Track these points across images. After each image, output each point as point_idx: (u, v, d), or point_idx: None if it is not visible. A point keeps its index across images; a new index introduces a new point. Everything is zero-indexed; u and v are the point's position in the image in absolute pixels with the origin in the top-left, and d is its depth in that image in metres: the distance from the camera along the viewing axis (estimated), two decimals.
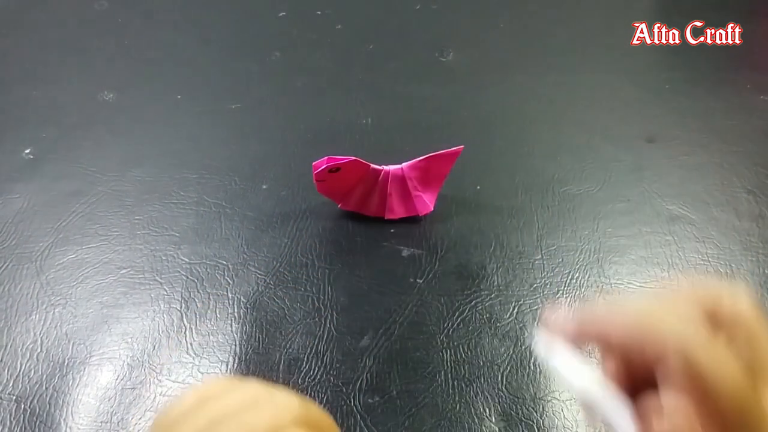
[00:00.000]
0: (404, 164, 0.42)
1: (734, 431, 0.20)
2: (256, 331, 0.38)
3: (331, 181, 0.41)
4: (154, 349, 0.38)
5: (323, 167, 0.39)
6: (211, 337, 0.38)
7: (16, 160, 0.49)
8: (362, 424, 0.35)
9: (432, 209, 0.43)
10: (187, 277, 0.41)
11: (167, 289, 0.41)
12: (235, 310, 0.39)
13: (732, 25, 0.58)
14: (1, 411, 0.36)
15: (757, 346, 0.21)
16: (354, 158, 0.39)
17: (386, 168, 0.42)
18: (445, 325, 0.39)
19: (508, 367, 0.37)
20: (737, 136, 0.48)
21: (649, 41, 0.58)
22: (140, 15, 0.63)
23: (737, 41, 0.57)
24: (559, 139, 0.49)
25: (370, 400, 0.36)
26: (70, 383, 0.37)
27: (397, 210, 0.43)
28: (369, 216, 0.44)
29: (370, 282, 0.41)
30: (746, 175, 0.46)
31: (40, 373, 0.38)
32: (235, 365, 0.37)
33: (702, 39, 0.57)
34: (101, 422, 0.35)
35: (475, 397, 0.36)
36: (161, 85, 0.55)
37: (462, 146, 0.41)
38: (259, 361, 0.37)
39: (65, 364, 0.38)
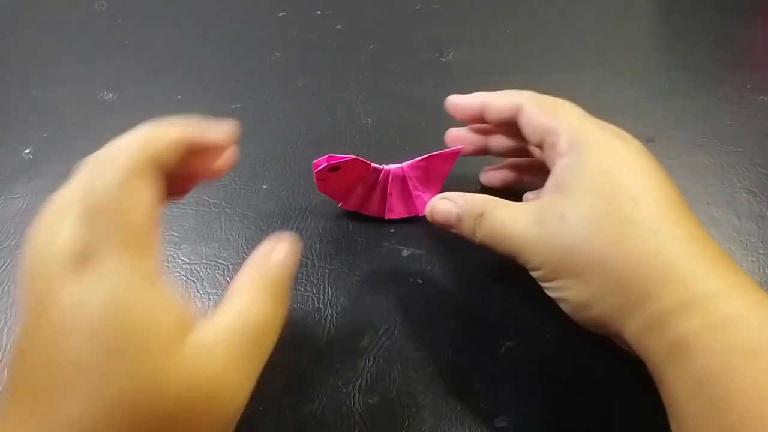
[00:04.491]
0: (404, 164, 0.42)
1: None
2: None
3: (332, 180, 0.41)
4: None
5: (323, 166, 0.39)
6: None
7: (15, 160, 0.49)
8: (362, 424, 0.35)
9: None
10: (187, 277, 0.41)
11: None
12: None
13: (733, 24, 0.58)
14: None
15: None
16: (354, 157, 0.39)
17: (386, 167, 0.42)
18: (446, 324, 0.39)
19: (509, 367, 0.37)
20: (737, 136, 0.48)
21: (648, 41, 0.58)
22: (140, 15, 0.63)
23: (737, 41, 0.57)
24: None
25: (370, 400, 0.36)
26: None
27: (397, 210, 0.43)
28: (369, 216, 0.44)
29: (370, 282, 0.41)
30: (746, 175, 0.46)
31: None
32: None
33: (702, 38, 0.57)
34: None
35: (476, 397, 0.36)
36: (161, 85, 0.55)
37: (462, 146, 0.41)
38: None
39: None
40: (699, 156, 0.48)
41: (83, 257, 0.23)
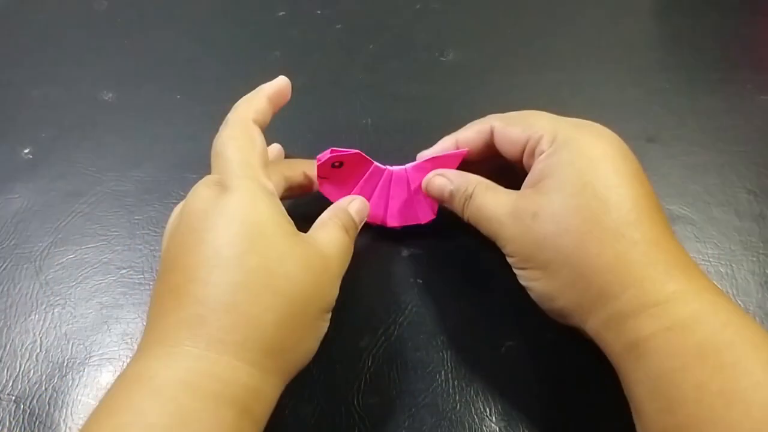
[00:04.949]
0: (408, 165, 0.41)
1: None
2: None
3: (334, 178, 0.40)
4: None
5: (327, 158, 0.38)
6: None
7: (15, 160, 0.49)
8: (362, 424, 0.35)
9: (434, 216, 0.42)
10: None
11: None
12: None
13: (733, 24, 0.58)
14: (0, 411, 0.36)
15: None
16: (357, 151, 0.39)
17: (389, 168, 0.41)
18: (446, 325, 0.39)
19: (509, 367, 0.37)
20: (738, 136, 0.48)
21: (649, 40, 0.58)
22: (140, 15, 0.63)
23: (737, 41, 0.57)
24: None
25: (369, 401, 0.36)
26: (70, 384, 0.37)
27: (399, 217, 0.42)
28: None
29: (370, 282, 0.41)
30: (747, 175, 0.46)
31: (39, 373, 0.38)
32: None
33: (702, 38, 0.57)
34: None
35: (476, 397, 0.36)
36: (161, 84, 0.55)
37: (468, 148, 0.40)
38: None
39: (65, 364, 0.38)
40: (699, 156, 0.47)
41: (220, 187, 0.31)
